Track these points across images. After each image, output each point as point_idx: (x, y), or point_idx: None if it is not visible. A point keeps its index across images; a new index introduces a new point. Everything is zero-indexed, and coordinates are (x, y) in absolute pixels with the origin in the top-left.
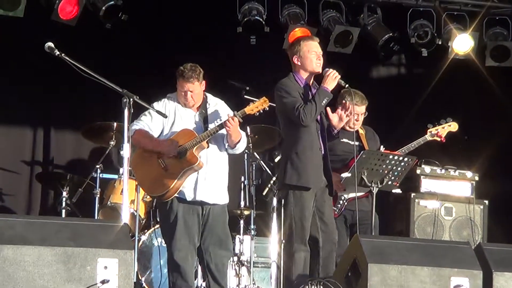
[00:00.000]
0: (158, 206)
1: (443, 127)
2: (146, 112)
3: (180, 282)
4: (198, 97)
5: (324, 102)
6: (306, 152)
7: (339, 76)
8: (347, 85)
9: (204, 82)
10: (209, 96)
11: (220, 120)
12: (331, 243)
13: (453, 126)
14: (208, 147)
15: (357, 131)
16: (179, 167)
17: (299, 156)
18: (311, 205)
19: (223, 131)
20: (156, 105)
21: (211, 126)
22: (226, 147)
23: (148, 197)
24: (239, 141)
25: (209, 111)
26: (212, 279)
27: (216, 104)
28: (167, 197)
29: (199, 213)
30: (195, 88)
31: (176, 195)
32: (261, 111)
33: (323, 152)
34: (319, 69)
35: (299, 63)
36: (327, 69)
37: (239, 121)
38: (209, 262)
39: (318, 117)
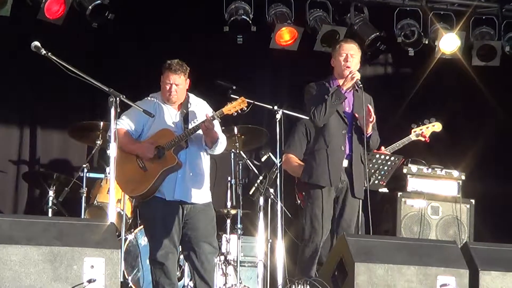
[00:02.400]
0: (139, 206)
1: (427, 127)
2: (128, 111)
3: (163, 280)
4: (182, 93)
5: (335, 102)
6: (320, 151)
7: (358, 77)
8: (361, 85)
9: (188, 80)
10: (191, 96)
11: (199, 120)
12: None
13: (437, 126)
14: (187, 147)
15: None
16: (158, 167)
17: (313, 155)
18: (325, 205)
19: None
20: (139, 104)
21: (191, 126)
22: (205, 147)
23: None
24: (216, 142)
25: (191, 111)
26: (198, 277)
27: (197, 104)
28: (146, 197)
29: (179, 212)
30: (181, 82)
31: (156, 195)
32: (239, 111)
33: (347, 153)
34: (346, 72)
35: (333, 66)
36: (350, 69)
37: (218, 121)
38: (194, 260)
39: (347, 118)
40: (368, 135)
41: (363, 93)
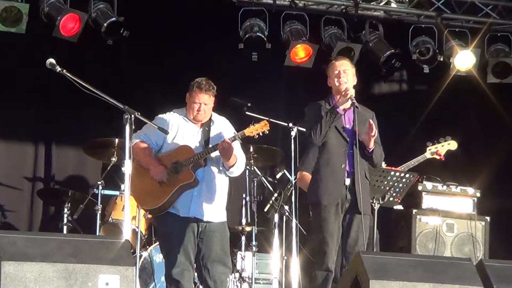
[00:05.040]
0: (155, 222)
1: (443, 146)
2: (148, 124)
3: None
4: (209, 112)
5: (329, 120)
6: (320, 170)
7: (352, 93)
8: (354, 101)
9: (214, 99)
10: (214, 114)
11: (221, 139)
12: None
13: (452, 145)
14: (205, 165)
15: None
16: (174, 183)
17: (314, 174)
18: (330, 224)
19: None
20: (161, 117)
21: (211, 144)
22: (223, 169)
23: (150, 214)
24: (233, 165)
25: (212, 130)
26: None
27: (220, 123)
28: (160, 212)
29: (194, 229)
30: (209, 102)
31: (171, 211)
32: (261, 134)
33: (349, 170)
34: (342, 88)
35: (330, 85)
36: (346, 87)
37: (239, 142)
38: (207, 279)
39: (347, 135)
40: (370, 150)
41: (354, 109)
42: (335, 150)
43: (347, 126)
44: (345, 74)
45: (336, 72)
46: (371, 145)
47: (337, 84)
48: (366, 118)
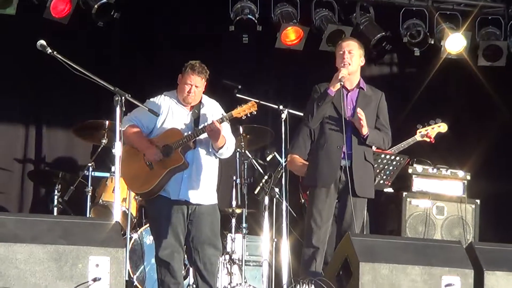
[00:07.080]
0: (145, 205)
1: (433, 128)
2: (139, 108)
3: (168, 278)
4: (199, 95)
5: (320, 103)
6: (317, 151)
7: (343, 74)
8: (342, 82)
9: (206, 83)
10: (204, 97)
11: (210, 121)
12: None
13: (443, 127)
14: (194, 147)
15: None
16: (164, 166)
17: (313, 155)
18: (323, 205)
19: None
20: (152, 100)
21: (201, 127)
22: (212, 150)
23: (140, 197)
24: (222, 146)
25: (202, 112)
26: (200, 278)
27: (210, 106)
28: (151, 195)
29: (184, 212)
30: (201, 84)
31: (161, 194)
32: (249, 115)
33: (346, 151)
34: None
35: (336, 65)
36: (342, 70)
37: (227, 123)
38: (198, 261)
39: (347, 116)
40: (364, 137)
41: (358, 90)
42: (333, 131)
43: (349, 107)
44: (350, 55)
45: (341, 52)
46: (364, 132)
47: (341, 64)
48: (372, 99)
